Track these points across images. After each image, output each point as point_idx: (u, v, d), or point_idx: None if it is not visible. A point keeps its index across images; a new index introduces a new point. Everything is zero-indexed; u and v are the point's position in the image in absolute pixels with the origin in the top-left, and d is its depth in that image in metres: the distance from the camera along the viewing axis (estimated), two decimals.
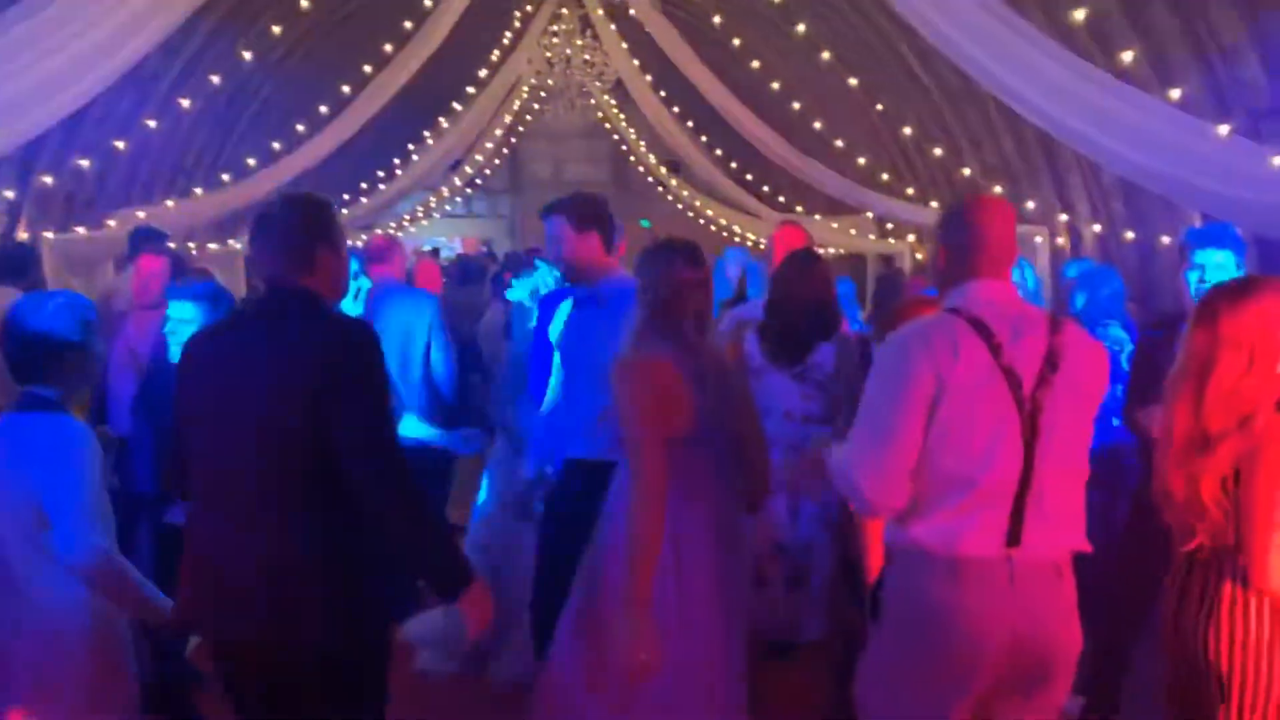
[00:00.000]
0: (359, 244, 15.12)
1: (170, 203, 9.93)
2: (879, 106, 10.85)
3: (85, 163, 8.68)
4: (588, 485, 3.08)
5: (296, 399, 2.17)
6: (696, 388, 2.60)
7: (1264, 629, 2.26)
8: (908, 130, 10.56)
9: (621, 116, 16.35)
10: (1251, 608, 2.27)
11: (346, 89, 10.69)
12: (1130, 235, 8.70)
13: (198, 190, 10.64)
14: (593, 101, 15.14)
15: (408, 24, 10.57)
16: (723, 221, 16.14)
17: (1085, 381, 2.24)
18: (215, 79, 9.64)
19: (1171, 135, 5.87)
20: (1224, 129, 5.57)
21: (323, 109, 10.90)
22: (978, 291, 2.26)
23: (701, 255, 2.78)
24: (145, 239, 6.47)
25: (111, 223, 9.04)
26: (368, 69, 10.51)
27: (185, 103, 9.40)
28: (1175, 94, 5.93)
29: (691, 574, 2.60)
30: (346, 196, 15.18)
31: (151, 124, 9.21)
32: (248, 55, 9.72)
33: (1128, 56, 6.51)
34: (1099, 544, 3.65)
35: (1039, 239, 10.16)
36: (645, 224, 18.92)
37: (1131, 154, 6.27)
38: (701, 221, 16.60)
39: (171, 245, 9.68)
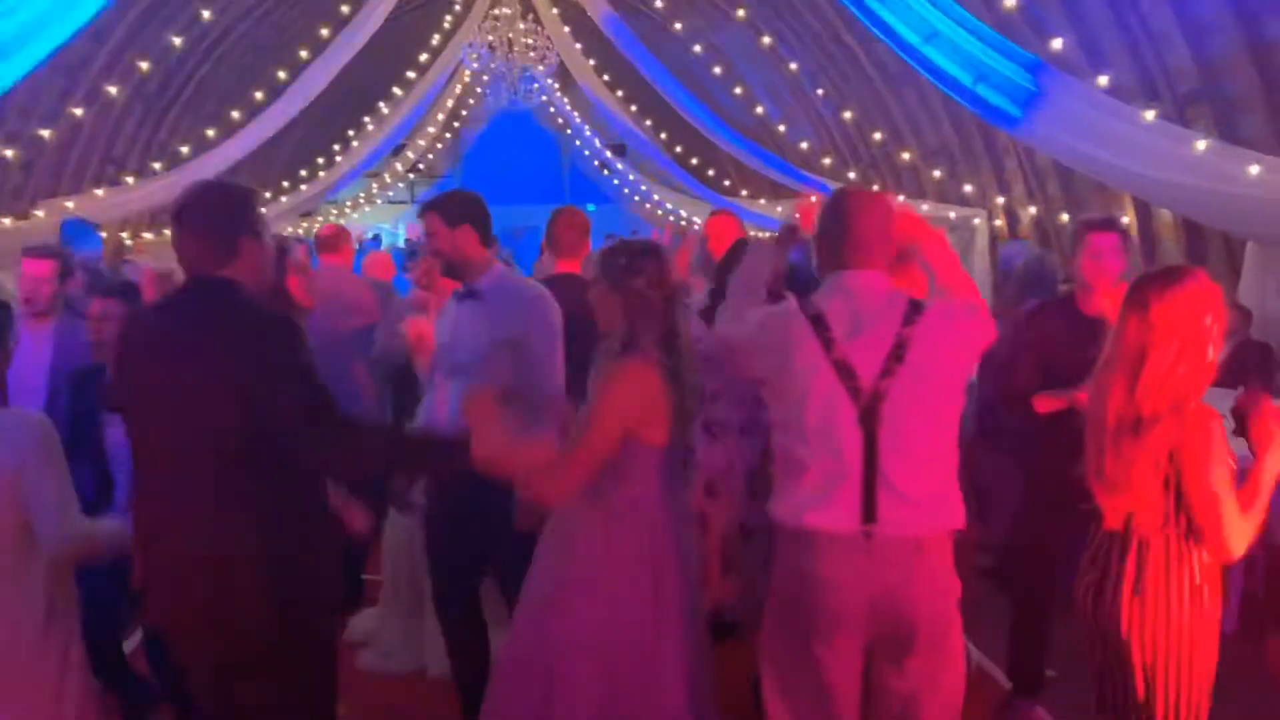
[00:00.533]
0: (300, 231, 14.93)
1: (100, 191, 9.68)
2: (820, 91, 10.92)
3: (10, 152, 8.43)
4: (466, 481, 3.10)
5: (224, 392, 2.17)
6: (675, 393, 2.62)
7: (1185, 606, 2.34)
8: (848, 115, 10.64)
9: (566, 100, 16.25)
10: (1172, 586, 2.34)
11: (283, 75, 10.47)
12: (1065, 217, 8.89)
13: (129, 179, 10.37)
14: (536, 85, 15.02)
15: (345, 8, 10.38)
16: (668, 205, 16.15)
17: (940, 370, 2.33)
18: (144, 65, 9.39)
19: (1101, 120, 6.01)
20: (1150, 114, 5.71)
21: (258, 95, 10.68)
22: (838, 282, 2.39)
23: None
24: (76, 232, 6.29)
25: (39, 213, 8.80)
26: (304, 54, 10.31)
27: (113, 90, 9.14)
28: (1103, 80, 6.05)
29: (665, 574, 2.64)
30: (286, 184, 14.92)
31: (78, 112, 8.96)
32: (178, 41, 9.48)
33: (1058, 43, 6.62)
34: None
35: (977, 221, 10.34)
36: (590, 208, 18.85)
37: (1064, 139, 6.42)
38: (648, 206, 16.60)
39: (103, 235, 9.47)
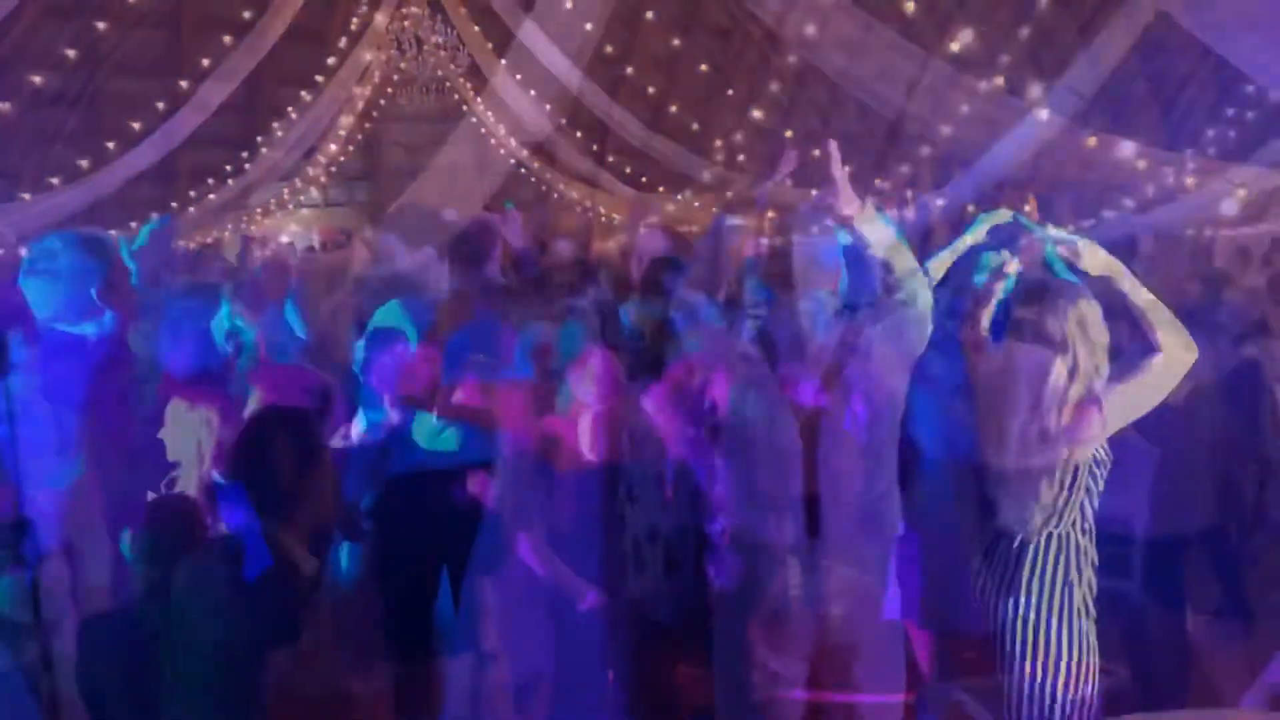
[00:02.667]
0: (209, 241, 14.51)
1: None
2: (730, 91, 11.05)
3: None
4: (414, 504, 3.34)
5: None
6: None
7: (1072, 597, 2.49)
8: (758, 113, 10.80)
9: (479, 100, 16.08)
10: (1059, 579, 2.49)
11: (184, 84, 10.18)
12: (972, 209, 9.16)
13: (25, 196, 9.97)
14: (449, 85, 14.85)
15: (246, 14, 10.13)
16: (588, 204, 16.12)
17: (876, 383, 2.42)
18: (37, 79, 9.04)
19: (1003, 120, 6.25)
20: (1044, 113, 5.94)
21: (159, 105, 10.36)
22: (785, 303, 2.49)
23: None
24: None
25: None
26: (205, 62, 10.04)
27: (4, 106, 8.79)
28: (999, 80, 6.28)
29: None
30: (193, 193, 14.48)
31: None
32: (71, 53, 9.14)
33: (958, 45, 6.82)
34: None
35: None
36: (509, 205, 18.70)
37: (970, 138, 6.66)
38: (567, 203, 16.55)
39: None
